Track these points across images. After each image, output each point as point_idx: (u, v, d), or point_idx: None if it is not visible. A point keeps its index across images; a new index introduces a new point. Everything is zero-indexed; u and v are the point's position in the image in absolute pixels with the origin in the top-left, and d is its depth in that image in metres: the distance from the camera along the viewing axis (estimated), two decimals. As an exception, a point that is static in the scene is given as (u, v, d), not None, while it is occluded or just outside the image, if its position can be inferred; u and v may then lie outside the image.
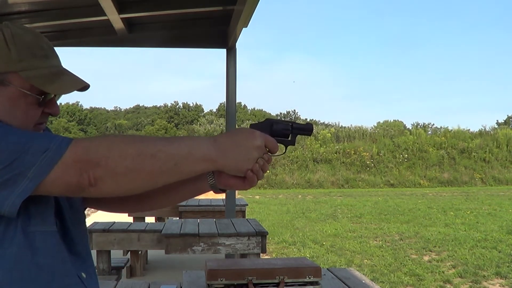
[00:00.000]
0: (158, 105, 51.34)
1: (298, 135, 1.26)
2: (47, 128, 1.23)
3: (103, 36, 5.48)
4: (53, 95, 1.14)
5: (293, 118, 45.40)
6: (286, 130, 1.24)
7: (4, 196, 0.95)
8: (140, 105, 56.30)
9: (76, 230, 1.19)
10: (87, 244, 1.24)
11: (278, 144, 1.19)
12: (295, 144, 1.27)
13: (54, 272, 1.06)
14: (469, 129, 27.25)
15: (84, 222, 1.26)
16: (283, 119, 1.26)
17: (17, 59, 1.07)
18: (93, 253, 4.23)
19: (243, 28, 4.89)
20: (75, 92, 1.16)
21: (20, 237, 1.02)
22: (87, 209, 1.36)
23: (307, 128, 1.26)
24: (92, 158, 0.97)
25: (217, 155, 1.06)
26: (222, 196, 7.00)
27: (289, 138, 1.25)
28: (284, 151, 1.23)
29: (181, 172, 1.04)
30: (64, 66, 1.17)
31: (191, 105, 49.20)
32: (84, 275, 1.14)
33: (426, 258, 7.30)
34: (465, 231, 9.45)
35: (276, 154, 1.18)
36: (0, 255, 1.01)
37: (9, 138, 0.97)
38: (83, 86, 1.15)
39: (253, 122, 1.26)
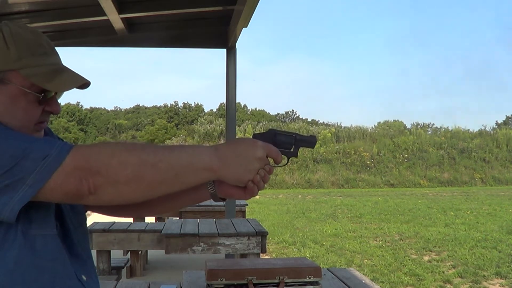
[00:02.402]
0: (158, 105, 51.34)
1: (301, 147, 1.26)
2: (48, 128, 1.23)
3: (103, 36, 5.48)
4: (53, 93, 1.13)
5: (294, 118, 45.41)
6: (289, 141, 1.23)
7: (3, 202, 0.94)
8: (140, 105, 56.30)
9: (77, 232, 1.18)
10: (88, 246, 1.24)
11: None
12: (298, 156, 1.26)
13: (54, 274, 1.06)
14: (469, 129, 27.31)
15: (85, 223, 1.26)
16: (285, 130, 1.25)
17: (17, 57, 1.07)
18: (93, 253, 4.23)
19: (243, 28, 4.90)
20: (75, 91, 1.15)
21: (21, 240, 1.01)
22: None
23: (310, 140, 1.26)
24: (93, 166, 0.96)
25: (218, 165, 1.05)
26: (222, 196, 6.98)
27: (292, 150, 1.24)
28: (286, 162, 1.22)
29: (182, 182, 1.03)
30: (64, 64, 1.17)
31: (192, 105, 49.23)
32: (84, 277, 1.14)
33: (426, 258, 7.30)
34: (465, 231, 9.46)
35: (278, 165, 1.17)
36: (1, 257, 1.00)
37: (9, 143, 0.96)
38: (84, 83, 1.14)
39: (256, 132, 1.25)
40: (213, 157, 1.05)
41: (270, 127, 1.37)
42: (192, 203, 1.30)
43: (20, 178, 0.94)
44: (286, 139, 1.23)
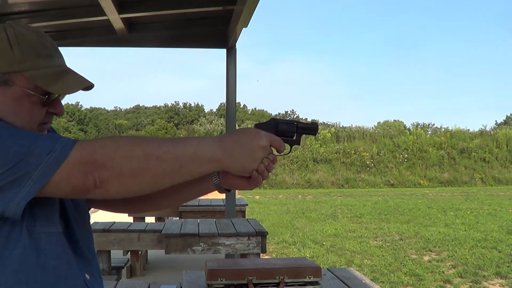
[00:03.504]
0: (158, 105, 51.37)
1: (303, 135, 1.26)
2: (51, 128, 1.23)
3: (103, 36, 5.48)
4: (57, 95, 1.13)
5: (293, 118, 45.40)
6: (291, 129, 1.23)
7: (9, 198, 0.95)
8: (140, 105, 56.32)
9: (81, 231, 1.18)
10: (92, 244, 1.24)
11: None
12: (300, 144, 1.26)
13: (59, 273, 1.06)
14: (469, 129, 27.31)
15: (89, 222, 1.26)
16: (287, 118, 1.25)
17: (21, 59, 1.07)
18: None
19: (243, 28, 4.90)
20: (79, 91, 1.15)
21: (25, 239, 1.01)
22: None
23: (312, 128, 1.26)
24: (98, 160, 0.96)
25: (223, 156, 1.05)
26: (222, 196, 7.00)
27: (294, 138, 1.24)
28: (289, 150, 1.23)
29: (187, 173, 1.04)
30: (68, 65, 1.17)
31: (192, 105, 49.27)
32: (88, 276, 1.14)
33: (426, 258, 7.30)
34: (465, 231, 9.46)
35: (281, 153, 1.18)
36: (6, 256, 1.00)
37: (14, 140, 0.97)
38: (87, 86, 1.15)
39: (258, 122, 1.25)
40: (217, 148, 1.05)
41: (272, 117, 1.36)
42: (197, 195, 1.31)
43: (25, 173, 0.95)
44: (288, 128, 1.23)
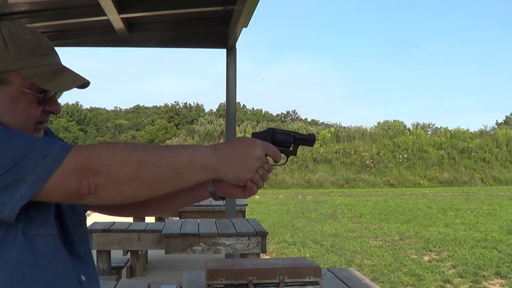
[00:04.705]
0: (158, 105, 51.40)
1: (300, 146, 1.26)
2: (49, 130, 1.23)
3: (103, 36, 5.48)
4: (53, 93, 1.13)
5: (293, 118, 45.42)
6: (288, 140, 1.23)
7: (3, 201, 0.95)
8: (140, 105, 56.32)
9: (77, 232, 1.18)
10: (88, 246, 1.24)
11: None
12: (297, 154, 1.26)
13: (55, 274, 1.06)
14: (469, 129, 27.32)
15: (85, 224, 1.26)
16: (284, 129, 1.25)
17: (17, 58, 1.07)
18: (93, 253, 4.23)
19: (243, 28, 4.89)
20: (75, 91, 1.16)
21: (21, 240, 1.01)
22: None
23: (309, 139, 1.26)
24: (93, 166, 0.96)
25: (218, 164, 1.06)
26: (222, 196, 6.98)
27: (291, 148, 1.24)
28: (285, 161, 1.23)
29: (181, 180, 1.04)
30: (63, 64, 1.17)
31: (193, 105, 49.29)
32: (84, 278, 1.14)
33: (426, 258, 7.30)
34: (465, 231, 9.46)
35: (277, 163, 1.17)
36: (2, 257, 1.00)
37: (10, 143, 0.97)
38: (83, 83, 1.15)
39: (255, 131, 1.25)
40: (213, 156, 1.06)
41: (269, 126, 1.37)
42: (192, 202, 1.31)
43: (20, 178, 0.94)
44: (285, 138, 1.23)
